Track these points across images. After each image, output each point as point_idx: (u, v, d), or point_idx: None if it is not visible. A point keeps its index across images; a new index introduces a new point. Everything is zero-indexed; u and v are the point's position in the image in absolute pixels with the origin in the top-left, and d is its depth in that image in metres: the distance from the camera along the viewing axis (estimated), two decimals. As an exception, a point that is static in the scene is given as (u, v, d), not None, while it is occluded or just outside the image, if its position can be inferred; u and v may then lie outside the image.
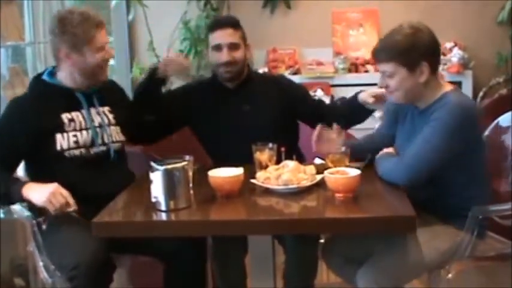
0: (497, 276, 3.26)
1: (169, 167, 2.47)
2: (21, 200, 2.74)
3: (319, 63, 5.29)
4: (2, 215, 4.08)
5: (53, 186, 2.67)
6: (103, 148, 2.93)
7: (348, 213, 2.50)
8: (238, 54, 3.21)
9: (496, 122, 3.23)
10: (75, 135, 2.87)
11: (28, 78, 4.39)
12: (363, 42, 5.32)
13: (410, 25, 2.70)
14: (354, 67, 5.32)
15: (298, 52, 5.46)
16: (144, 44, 5.46)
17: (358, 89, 5.10)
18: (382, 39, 2.76)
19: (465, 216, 2.70)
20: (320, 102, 3.47)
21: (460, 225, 2.72)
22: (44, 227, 2.82)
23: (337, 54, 5.38)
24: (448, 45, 5.27)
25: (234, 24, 3.24)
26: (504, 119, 3.21)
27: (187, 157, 2.69)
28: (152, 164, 2.49)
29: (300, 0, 5.51)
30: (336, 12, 5.44)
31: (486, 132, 3.22)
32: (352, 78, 5.22)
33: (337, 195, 2.52)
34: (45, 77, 2.95)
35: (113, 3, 5.33)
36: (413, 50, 2.65)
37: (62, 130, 2.85)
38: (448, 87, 2.75)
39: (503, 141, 3.18)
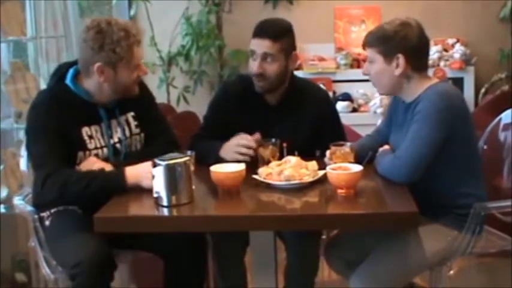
0: (498, 273, 3.27)
1: (171, 162, 2.46)
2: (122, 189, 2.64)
3: (321, 59, 5.30)
4: (3, 210, 4.09)
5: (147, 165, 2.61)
6: (118, 160, 2.87)
7: (349, 209, 2.50)
8: (272, 68, 3.01)
9: (498, 118, 3.22)
10: (96, 154, 2.81)
11: (30, 73, 4.41)
12: (364, 38, 5.31)
13: (403, 19, 2.74)
14: (356, 63, 5.34)
15: (300, 48, 5.42)
16: (145, 40, 5.44)
17: (359, 84, 5.20)
18: (375, 27, 2.84)
19: (457, 214, 2.70)
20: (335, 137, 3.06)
21: (450, 223, 2.71)
22: (47, 223, 2.82)
23: (339, 50, 5.40)
24: (451, 41, 5.29)
25: (275, 35, 3.01)
26: (506, 116, 3.19)
27: (188, 152, 2.69)
28: (154, 159, 2.49)
29: (302, -5, 5.53)
30: (338, 8, 5.45)
31: (488, 129, 3.22)
32: (354, 74, 5.24)
33: (339, 191, 2.51)
34: (68, 82, 2.83)
35: (115, -2, 5.35)
36: (391, 40, 2.69)
37: (84, 148, 2.78)
38: (434, 81, 2.76)
39: (505, 137, 3.17)
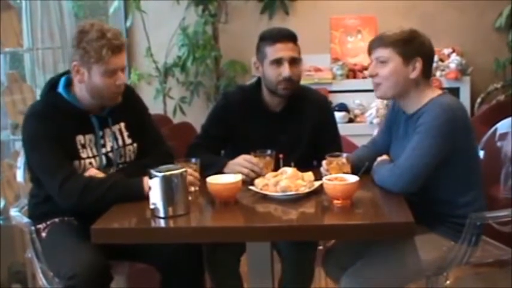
0: (496, 283, 3.27)
1: (167, 173, 2.47)
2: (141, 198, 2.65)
3: (317, 70, 5.30)
4: (0, 222, 4.09)
5: None
6: (113, 170, 2.88)
7: (346, 219, 2.49)
8: (298, 71, 3.08)
9: (494, 128, 3.23)
10: (90, 163, 2.81)
11: (26, 85, 4.42)
12: (360, 48, 5.32)
13: (410, 28, 2.76)
14: (352, 73, 5.34)
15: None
16: (142, 50, 5.47)
17: (355, 95, 5.21)
18: (382, 33, 2.81)
19: (454, 223, 2.71)
20: (331, 146, 3.10)
21: (447, 233, 2.72)
22: (43, 234, 2.82)
23: (335, 60, 5.39)
24: (446, 51, 5.29)
25: (295, 38, 3.07)
26: (502, 125, 3.21)
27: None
28: (150, 170, 2.50)
29: (298, 6, 5.54)
30: (334, 18, 5.45)
31: (484, 139, 3.22)
32: (350, 84, 5.25)
33: (336, 201, 2.51)
34: (61, 90, 2.83)
35: (111, 8, 5.35)
36: (411, 43, 2.70)
37: (79, 157, 2.79)
38: (437, 93, 2.76)
39: (501, 147, 3.18)
